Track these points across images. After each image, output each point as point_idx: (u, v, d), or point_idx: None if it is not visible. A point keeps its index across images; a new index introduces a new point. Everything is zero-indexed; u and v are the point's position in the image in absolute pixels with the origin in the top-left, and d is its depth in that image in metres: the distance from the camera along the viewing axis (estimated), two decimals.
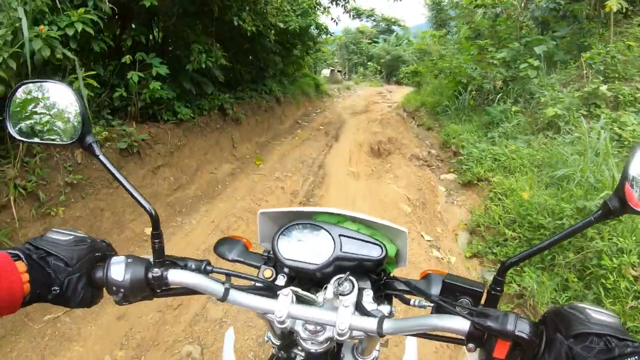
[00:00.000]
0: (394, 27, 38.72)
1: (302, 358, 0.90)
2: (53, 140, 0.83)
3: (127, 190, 0.77)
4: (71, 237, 0.75)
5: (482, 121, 8.96)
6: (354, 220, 0.92)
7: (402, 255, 0.94)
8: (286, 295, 0.78)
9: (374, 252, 0.85)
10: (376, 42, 34.73)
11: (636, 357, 0.54)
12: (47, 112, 0.82)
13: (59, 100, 0.81)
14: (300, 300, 0.80)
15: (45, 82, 0.82)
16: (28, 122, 0.83)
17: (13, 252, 0.67)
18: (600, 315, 0.62)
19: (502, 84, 9.47)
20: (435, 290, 0.84)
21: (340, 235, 0.85)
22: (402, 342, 1.43)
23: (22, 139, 0.83)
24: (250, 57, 9.37)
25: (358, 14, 37.21)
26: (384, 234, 0.92)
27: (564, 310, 0.64)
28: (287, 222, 0.89)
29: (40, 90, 0.83)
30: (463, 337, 0.72)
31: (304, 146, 8.57)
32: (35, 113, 0.83)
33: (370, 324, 0.75)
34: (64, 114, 0.81)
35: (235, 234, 1.09)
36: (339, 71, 25.62)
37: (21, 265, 0.66)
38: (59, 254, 0.71)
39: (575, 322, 0.61)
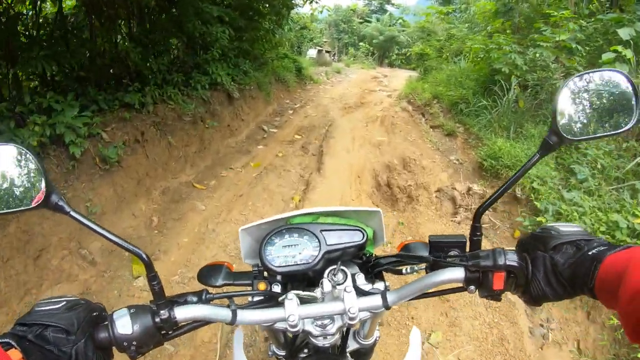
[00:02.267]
0: (388, 7, 37.75)
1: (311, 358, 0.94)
2: (15, 207, 0.75)
3: (111, 240, 0.75)
4: (64, 302, 0.69)
5: (543, 136, 5.81)
6: (327, 214, 1.00)
7: (379, 235, 1.03)
8: (291, 299, 0.81)
9: (356, 238, 0.92)
10: (368, 21, 32.94)
11: (601, 246, 0.66)
12: (3, 178, 0.75)
13: (13, 163, 0.75)
14: (302, 301, 0.83)
15: None
16: None
17: (2, 340, 0.59)
18: (567, 228, 0.74)
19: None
20: (421, 254, 0.97)
21: (321, 231, 0.92)
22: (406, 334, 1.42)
23: None
24: (176, 31, 6.06)
25: None
26: (357, 219, 1.00)
27: (538, 233, 0.77)
28: (267, 232, 0.93)
29: None
30: (461, 284, 0.80)
31: (258, 187, 5.12)
32: None
33: (375, 300, 0.82)
34: (21, 177, 0.75)
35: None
36: (327, 52, 22.19)
37: (15, 354, 0.58)
38: (58, 324, 0.64)
39: (549, 239, 0.73)
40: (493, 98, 7.79)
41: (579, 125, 0.79)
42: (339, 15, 30.92)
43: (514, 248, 0.77)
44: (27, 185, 0.75)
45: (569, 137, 0.76)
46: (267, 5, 8.23)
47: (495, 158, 5.73)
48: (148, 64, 5.21)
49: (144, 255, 0.77)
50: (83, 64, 4.41)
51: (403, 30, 30.29)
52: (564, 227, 0.74)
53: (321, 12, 10.43)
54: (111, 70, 4.89)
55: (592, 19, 7.26)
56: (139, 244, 3.64)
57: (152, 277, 0.77)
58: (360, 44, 29.59)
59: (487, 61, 8.14)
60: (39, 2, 4.22)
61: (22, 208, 0.75)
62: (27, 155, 0.74)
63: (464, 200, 4.84)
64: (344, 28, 30.61)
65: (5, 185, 0.75)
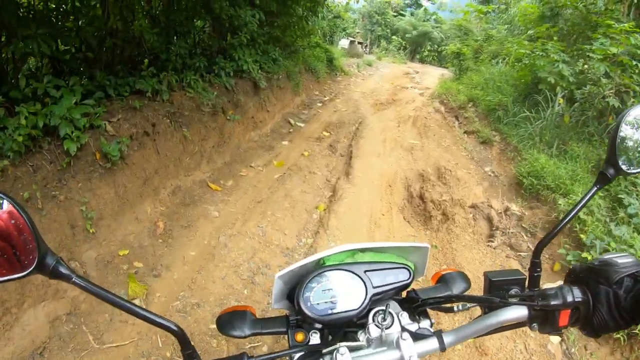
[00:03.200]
0: (423, 1, 36.91)
1: None
2: (3, 276, 0.59)
3: (135, 314, 0.64)
4: None
5: (591, 159, 5.45)
6: (364, 250, 0.91)
7: (420, 269, 0.94)
8: (343, 354, 0.74)
9: (402, 276, 0.87)
10: (402, 15, 32.38)
11: None
12: None
13: None
14: (350, 349, 0.76)
15: None
16: None
17: None
18: (624, 259, 0.73)
19: (632, 100, 5.86)
20: (458, 287, 0.92)
21: (366, 272, 0.85)
22: None
23: None
24: (203, 11, 5.67)
25: None
26: (396, 253, 0.92)
27: (597, 266, 0.75)
28: (302, 275, 0.84)
29: None
30: (524, 321, 0.79)
31: (280, 192, 4.74)
32: None
33: (432, 344, 0.76)
34: (8, 238, 0.58)
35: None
36: (359, 43, 21.62)
37: None
38: None
39: (612, 272, 0.71)
40: (535, 109, 7.31)
41: (637, 157, 0.76)
42: (373, 6, 30.22)
43: (563, 282, 0.78)
44: (14, 248, 0.59)
45: (627, 169, 0.75)
46: None
47: (537, 177, 5.30)
48: (167, 47, 4.82)
49: (177, 329, 0.68)
50: (91, 44, 3.92)
51: (437, 27, 29.74)
52: (622, 259, 0.74)
53: (357, 1, 9.91)
54: (123, 52, 4.38)
55: None
56: (140, 254, 3.24)
57: (189, 354, 0.69)
58: (393, 37, 28.89)
59: (530, 68, 7.62)
60: None
61: (10, 277, 0.59)
62: (13, 208, 0.59)
63: (501, 221, 4.44)
64: (378, 20, 29.90)
65: None
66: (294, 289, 0.84)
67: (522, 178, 5.51)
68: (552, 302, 0.74)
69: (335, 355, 0.74)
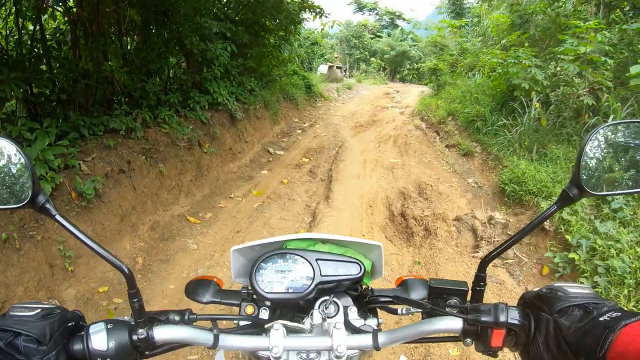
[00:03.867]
0: (398, 21, 37.44)
1: None
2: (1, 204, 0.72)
3: (94, 250, 0.70)
4: (38, 310, 0.66)
5: (571, 159, 5.46)
6: (325, 241, 0.96)
7: (378, 268, 0.97)
8: (277, 329, 0.77)
9: (353, 271, 0.88)
10: (379, 36, 32.77)
11: (613, 312, 0.60)
12: None
13: (1, 157, 0.72)
14: (289, 330, 0.80)
15: None
16: None
17: None
18: (575, 289, 0.68)
19: (606, 96, 5.89)
20: (417, 294, 0.92)
21: (317, 260, 0.87)
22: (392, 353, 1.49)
23: None
24: (176, 48, 5.76)
25: (360, 7, 34.93)
26: (356, 250, 0.95)
27: (543, 292, 0.71)
28: (260, 254, 0.89)
29: None
30: (458, 334, 0.76)
31: (259, 221, 4.69)
32: None
33: (366, 340, 0.76)
34: (8, 173, 0.72)
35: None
36: (338, 67, 21.78)
37: None
38: (29, 332, 0.61)
39: (555, 300, 0.67)
40: (513, 116, 7.36)
41: (603, 178, 0.74)
42: (350, 30, 30.55)
43: (516, 305, 0.74)
44: (13, 183, 0.72)
45: (591, 191, 0.71)
46: (275, 21, 7.88)
47: (519, 183, 5.27)
48: (141, 85, 4.87)
49: (126, 269, 0.71)
50: (64, 85, 4.00)
51: (414, 45, 30.10)
52: (572, 289, 0.70)
53: (332, 27, 10.05)
54: (97, 92, 4.40)
55: (616, 29, 6.85)
56: (119, 290, 3.36)
57: (133, 293, 0.72)
58: (372, 59, 29.19)
59: (504, 76, 7.70)
60: (20, 20, 3.84)
61: (7, 206, 0.72)
62: (17, 151, 0.70)
63: (485, 231, 4.39)
64: (355, 43, 30.21)
65: None
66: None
67: (504, 185, 5.48)
68: (483, 318, 0.71)
69: (270, 329, 0.77)
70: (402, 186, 5.45)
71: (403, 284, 0.98)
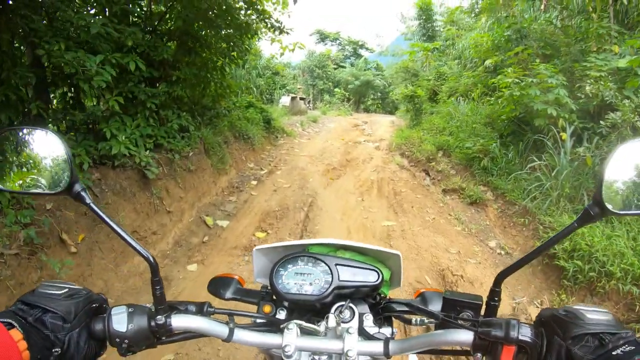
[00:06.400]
0: (361, 51, 37.56)
1: None
2: (40, 190, 0.80)
3: (122, 238, 0.74)
4: (65, 289, 0.71)
5: None
6: (347, 248, 0.96)
7: (396, 277, 0.96)
8: (291, 329, 0.77)
9: (371, 278, 0.89)
10: (343, 66, 32.17)
11: (627, 346, 0.58)
12: (33, 160, 0.80)
13: (44, 147, 0.78)
14: (304, 331, 0.80)
15: (28, 128, 0.80)
16: (12, 171, 0.80)
17: (5, 320, 0.61)
18: (593, 315, 0.64)
19: None
20: (434, 307, 0.88)
21: (336, 265, 0.89)
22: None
23: (6, 189, 0.81)
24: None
25: (322, 37, 34.32)
26: (376, 259, 0.95)
27: (559, 314, 0.67)
28: (282, 256, 0.91)
29: (23, 137, 0.80)
30: (469, 348, 0.73)
31: None
32: (20, 161, 0.81)
33: (377, 347, 0.77)
34: (50, 162, 0.79)
35: None
36: (302, 99, 20.00)
37: (16, 334, 0.60)
38: (56, 310, 0.66)
39: (571, 325, 0.64)
40: (535, 153, 5.59)
41: (626, 197, 0.69)
42: (313, 60, 29.24)
43: (530, 322, 0.70)
44: (54, 171, 0.78)
45: (613, 209, 0.66)
46: (219, 33, 5.82)
47: (581, 256, 3.50)
48: None
49: (152, 259, 0.73)
50: None
51: (378, 74, 29.18)
52: (591, 314, 0.65)
53: (293, 50, 8.12)
54: None
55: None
56: None
57: (156, 281, 0.75)
58: (336, 89, 27.92)
59: (520, 100, 5.93)
60: None
61: (46, 192, 0.78)
62: (59, 143, 0.76)
63: None
64: (319, 73, 28.83)
65: (34, 168, 0.79)
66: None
67: (560, 261, 3.66)
68: (494, 333, 0.67)
69: (285, 328, 0.77)
70: (414, 277, 3.46)
71: (421, 296, 0.95)
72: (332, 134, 13.21)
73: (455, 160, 7.29)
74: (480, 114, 8.18)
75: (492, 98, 7.79)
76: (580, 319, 0.64)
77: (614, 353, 0.57)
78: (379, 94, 28.59)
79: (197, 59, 5.56)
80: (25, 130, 0.80)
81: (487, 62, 9.68)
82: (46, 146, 0.77)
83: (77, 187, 0.73)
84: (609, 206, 0.65)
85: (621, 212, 0.68)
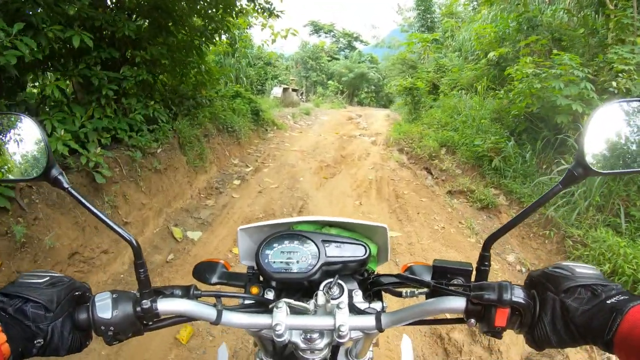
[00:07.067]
0: (356, 43, 37.32)
1: None
2: (14, 175, 0.77)
3: (103, 222, 0.72)
4: (47, 277, 0.68)
5: None
6: (332, 224, 0.95)
7: (384, 252, 0.94)
8: (280, 307, 0.76)
9: (358, 252, 0.87)
10: (337, 58, 31.92)
11: (620, 295, 0.58)
12: (6, 145, 0.76)
13: (19, 132, 0.76)
14: (294, 310, 0.78)
15: (2, 113, 0.79)
16: None
17: None
18: (582, 269, 0.65)
19: None
20: (424, 278, 0.86)
21: (322, 241, 0.87)
22: (397, 346, 1.41)
23: None
24: None
25: (316, 29, 33.89)
26: (363, 234, 0.94)
27: (550, 271, 0.67)
28: (267, 235, 0.88)
29: None
30: (462, 315, 0.72)
31: None
32: None
33: (369, 321, 0.75)
34: (26, 147, 0.76)
35: None
36: (294, 90, 19.18)
37: None
38: (37, 299, 0.63)
39: (562, 279, 0.64)
40: (554, 153, 4.93)
41: (608, 157, 0.71)
42: (306, 51, 28.40)
43: (522, 284, 0.69)
44: (30, 156, 0.75)
45: (596, 169, 0.67)
46: (197, 3, 4.97)
47: (627, 283, 2.91)
48: None
49: (134, 241, 0.71)
50: None
51: (373, 67, 28.62)
52: (580, 269, 0.65)
53: (285, 36, 7.40)
54: None
55: None
56: None
57: (140, 264, 0.72)
58: (329, 82, 27.30)
59: (535, 94, 5.24)
60: None
61: (23, 178, 0.76)
62: (34, 127, 0.74)
63: None
64: (312, 65, 27.98)
65: (10, 154, 0.75)
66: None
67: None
68: (486, 296, 0.66)
69: (274, 307, 0.76)
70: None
71: (409, 270, 0.95)
72: (326, 127, 12.47)
73: (462, 158, 6.61)
74: (487, 109, 7.49)
75: (501, 91, 7.11)
76: (571, 272, 0.64)
77: (608, 302, 0.58)
78: (373, 87, 27.99)
79: (169, 39, 4.77)
80: None
81: (491, 55, 9.06)
82: (21, 131, 0.75)
83: (54, 172, 0.70)
84: (592, 166, 0.65)
85: (604, 172, 0.68)
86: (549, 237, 4.18)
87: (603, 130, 0.69)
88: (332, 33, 36.70)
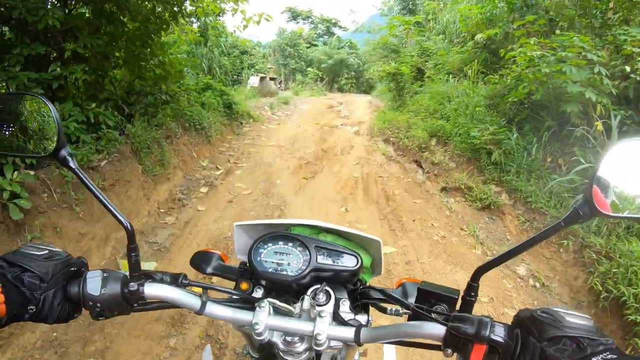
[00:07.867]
0: (335, 29, 36.44)
1: None
2: (27, 152, 0.80)
3: (102, 203, 0.73)
4: (46, 251, 0.71)
5: None
6: (329, 231, 0.93)
7: (378, 265, 0.93)
8: (263, 307, 0.75)
9: (350, 263, 0.85)
10: (315, 45, 30.96)
11: (608, 353, 0.53)
12: (22, 124, 0.80)
13: (34, 112, 0.79)
14: (278, 311, 0.78)
15: (20, 94, 0.86)
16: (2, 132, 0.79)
17: None
18: (572, 318, 0.60)
19: None
20: (411, 298, 0.83)
21: (316, 247, 0.85)
22: (381, 349, 1.39)
23: None
24: None
25: (294, 15, 33.18)
26: (359, 245, 0.92)
27: (537, 315, 0.62)
28: (263, 234, 0.88)
29: (14, 102, 0.80)
30: (440, 343, 0.69)
31: None
32: (9, 124, 0.80)
33: (348, 333, 0.74)
34: (39, 126, 0.79)
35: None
36: (272, 79, 18.31)
37: None
38: (34, 270, 0.66)
39: (548, 326, 0.59)
40: (560, 145, 4.37)
41: (619, 199, 0.62)
42: (284, 39, 27.50)
43: (506, 323, 0.64)
44: (42, 135, 0.77)
45: (603, 211, 0.60)
46: None
47: None
48: None
49: (128, 225, 0.72)
50: None
51: (352, 53, 28.00)
52: (571, 317, 0.59)
53: (258, 22, 6.67)
54: None
55: None
56: None
57: (132, 248, 0.74)
58: (308, 69, 26.38)
59: (540, 79, 4.64)
60: None
61: (33, 155, 0.79)
62: (48, 108, 0.75)
63: None
64: (290, 52, 27.08)
65: (22, 132, 0.78)
66: None
67: (631, 311, 2.51)
68: (464, 329, 0.62)
69: (257, 306, 0.75)
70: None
71: (402, 287, 0.88)
72: (305, 117, 11.76)
73: (456, 150, 6.01)
74: (480, 95, 6.89)
75: (495, 76, 6.51)
76: (559, 321, 0.59)
77: (593, 359, 0.53)
78: (353, 73, 27.46)
79: (119, 28, 4.03)
80: (16, 96, 0.83)
81: (478, 37, 8.48)
82: (36, 112, 0.78)
83: (64, 152, 0.73)
84: (599, 207, 0.60)
85: (612, 215, 0.62)
86: (564, 246, 3.62)
87: (618, 168, 0.61)
88: (310, 19, 35.91)
